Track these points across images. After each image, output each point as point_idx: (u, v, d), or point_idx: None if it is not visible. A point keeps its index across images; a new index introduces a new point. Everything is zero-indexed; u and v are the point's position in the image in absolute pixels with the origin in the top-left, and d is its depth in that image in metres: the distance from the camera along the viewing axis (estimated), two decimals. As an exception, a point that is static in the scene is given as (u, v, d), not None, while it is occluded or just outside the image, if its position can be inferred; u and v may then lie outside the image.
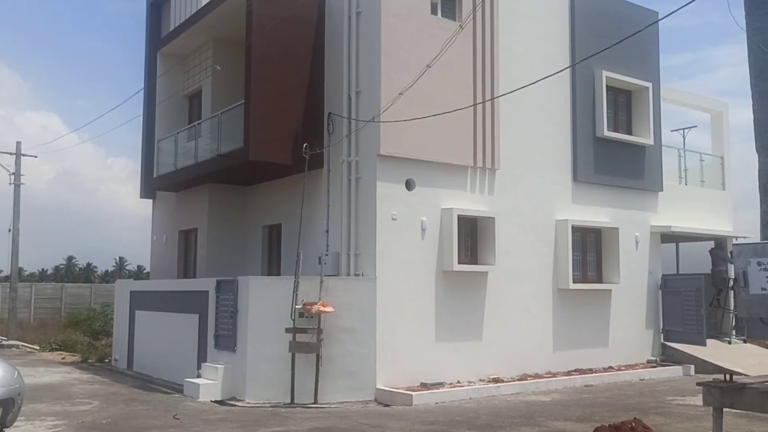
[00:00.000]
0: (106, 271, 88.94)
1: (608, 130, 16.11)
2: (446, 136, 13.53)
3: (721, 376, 7.61)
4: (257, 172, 15.29)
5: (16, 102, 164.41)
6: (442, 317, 13.33)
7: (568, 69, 15.44)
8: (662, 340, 16.83)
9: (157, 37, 19.11)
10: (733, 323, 18.37)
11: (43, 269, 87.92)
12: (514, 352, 14.19)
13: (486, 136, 14.11)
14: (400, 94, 12.32)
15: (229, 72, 16.36)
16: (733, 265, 19.16)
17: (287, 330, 12.08)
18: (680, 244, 19.78)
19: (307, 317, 12.10)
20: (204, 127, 16.05)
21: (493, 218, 13.96)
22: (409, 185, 13.21)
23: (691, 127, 19.74)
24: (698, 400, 11.66)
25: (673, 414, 10.27)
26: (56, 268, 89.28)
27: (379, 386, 12.25)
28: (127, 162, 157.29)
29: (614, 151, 16.33)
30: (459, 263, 13.36)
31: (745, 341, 18.27)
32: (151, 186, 18.66)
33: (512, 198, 14.58)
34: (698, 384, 6.88)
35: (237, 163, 14.26)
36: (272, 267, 16.11)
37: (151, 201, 19.74)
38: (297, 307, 12.12)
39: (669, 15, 9.61)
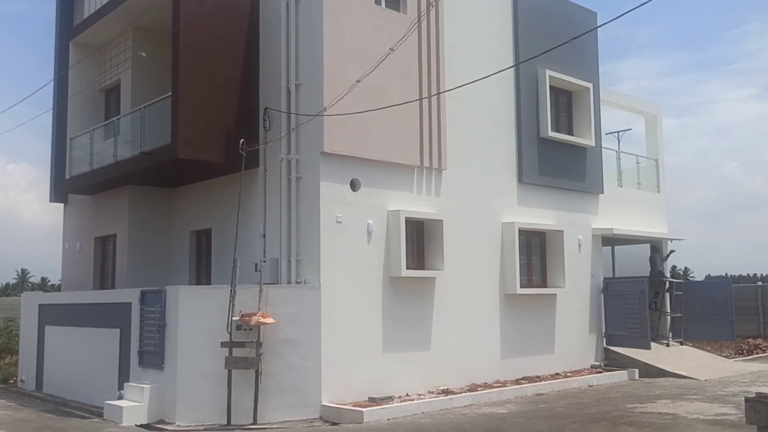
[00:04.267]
0: (7, 284, 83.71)
1: (552, 130, 15.75)
2: (392, 134, 12.76)
3: (765, 390, 7.00)
4: (185, 172, 14.03)
5: None
6: (389, 326, 12.51)
7: (513, 68, 15.00)
8: (605, 345, 16.58)
9: (68, 26, 17.49)
10: (669, 325, 18.41)
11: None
12: (462, 362, 13.53)
13: (432, 135, 13.42)
14: (358, 81, 11.46)
15: (152, 64, 15.07)
16: (669, 267, 19.34)
17: (223, 344, 10.94)
18: (615, 246, 19.73)
19: (245, 330, 11.00)
20: (124, 123, 14.63)
21: (441, 221, 13.27)
22: (354, 186, 12.34)
23: (626, 130, 19.79)
24: (658, 406, 11.38)
25: (643, 424, 9.78)
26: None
27: (325, 402, 11.29)
28: (29, 169, 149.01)
29: (557, 152, 16.00)
30: (407, 269, 12.59)
31: (681, 343, 18.33)
32: (62, 189, 16.96)
33: (459, 200, 13.95)
34: (746, 400, 6.26)
35: (163, 162, 12.99)
36: (201, 276, 14.87)
37: (62, 206, 18.02)
38: (234, 318, 11.00)
39: (610, 21, 9.14)
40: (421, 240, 13.39)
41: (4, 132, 47.38)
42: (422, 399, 12.09)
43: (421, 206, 13.23)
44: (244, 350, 10.92)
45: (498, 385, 13.71)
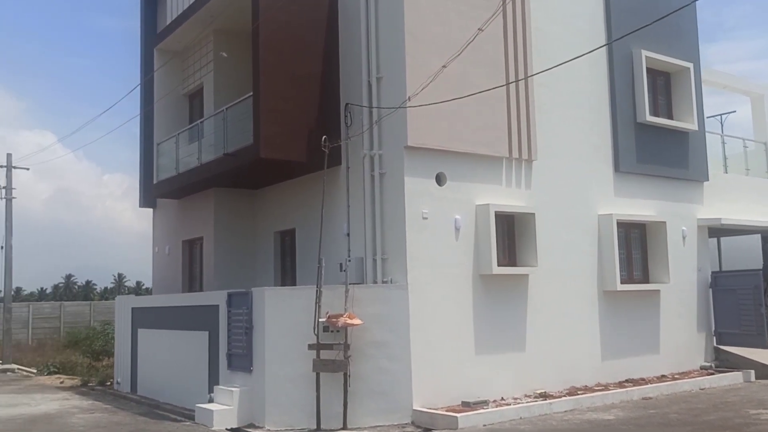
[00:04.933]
0: (105, 288, 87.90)
1: (650, 114, 14.70)
2: (478, 124, 12.15)
3: None
4: (267, 173, 13.88)
5: (10, 122, 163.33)
6: (481, 326, 11.90)
7: (605, 50, 14.10)
8: (715, 344, 15.36)
9: (153, 33, 17.77)
10: (787, 322, 16.89)
11: (42, 288, 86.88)
12: (560, 364, 12.75)
13: (521, 123, 12.72)
14: (444, 66, 10.88)
15: (233, 67, 15.05)
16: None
17: (310, 346, 10.64)
18: (721, 238, 18.34)
19: (332, 331, 10.66)
20: (207, 125, 14.66)
21: (533, 214, 12.55)
22: (439, 180, 11.81)
23: (730, 112, 18.37)
24: (788, 413, 10.28)
25: (773, 433, 8.82)
26: (55, 287, 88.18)
27: (416, 407, 10.80)
28: (123, 178, 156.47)
29: (656, 137, 14.92)
30: (498, 266, 11.94)
31: (801, 341, 16.77)
32: (151, 193, 17.25)
33: (551, 191, 13.17)
34: None
35: (246, 163, 12.86)
36: (286, 277, 14.70)
37: (151, 210, 18.34)
38: (320, 320, 10.69)
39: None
40: (512, 235, 12.72)
41: (98, 138, 49.89)
42: (519, 403, 11.42)
43: (511, 199, 12.55)
44: (332, 352, 10.58)
45: (600, 388, 12.85)
